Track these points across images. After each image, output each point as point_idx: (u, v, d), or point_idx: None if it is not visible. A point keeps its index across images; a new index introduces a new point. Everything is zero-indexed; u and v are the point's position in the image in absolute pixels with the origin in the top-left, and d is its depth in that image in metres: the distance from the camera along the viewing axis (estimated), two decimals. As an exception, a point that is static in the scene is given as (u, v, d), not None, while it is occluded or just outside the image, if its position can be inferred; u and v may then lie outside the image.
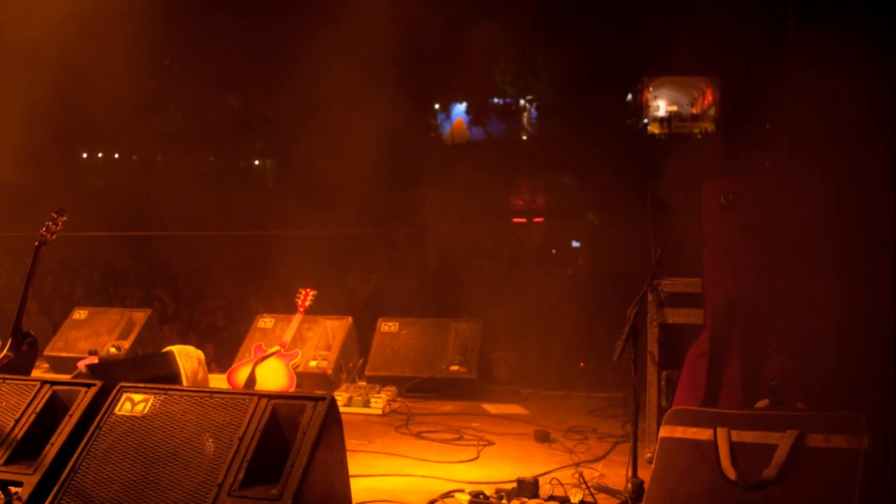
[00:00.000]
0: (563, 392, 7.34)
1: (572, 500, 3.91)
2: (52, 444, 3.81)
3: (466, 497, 4.07)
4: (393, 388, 6.65)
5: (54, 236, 5.80)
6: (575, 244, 17.72)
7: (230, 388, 6.38)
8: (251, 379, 6.51)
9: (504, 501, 3.94)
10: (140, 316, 7.99)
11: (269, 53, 17.51)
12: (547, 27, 18.51)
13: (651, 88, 21.67)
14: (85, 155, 22.57)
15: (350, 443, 4.18)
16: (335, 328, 7.31)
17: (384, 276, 13.31)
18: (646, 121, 21.87)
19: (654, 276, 4.70)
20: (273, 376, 6.54)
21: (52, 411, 3.99)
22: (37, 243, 5.72)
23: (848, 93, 4.34)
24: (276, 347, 6.76)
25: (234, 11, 17.21)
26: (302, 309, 7.01)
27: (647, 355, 4.91)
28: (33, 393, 4.06)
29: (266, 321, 7.41)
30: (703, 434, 3.61)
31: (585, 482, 4.15)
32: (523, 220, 19.56)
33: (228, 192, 18.89)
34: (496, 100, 23.27)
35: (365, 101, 11.38)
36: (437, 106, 23.30)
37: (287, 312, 7.26)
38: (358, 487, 4.12)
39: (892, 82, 4.26)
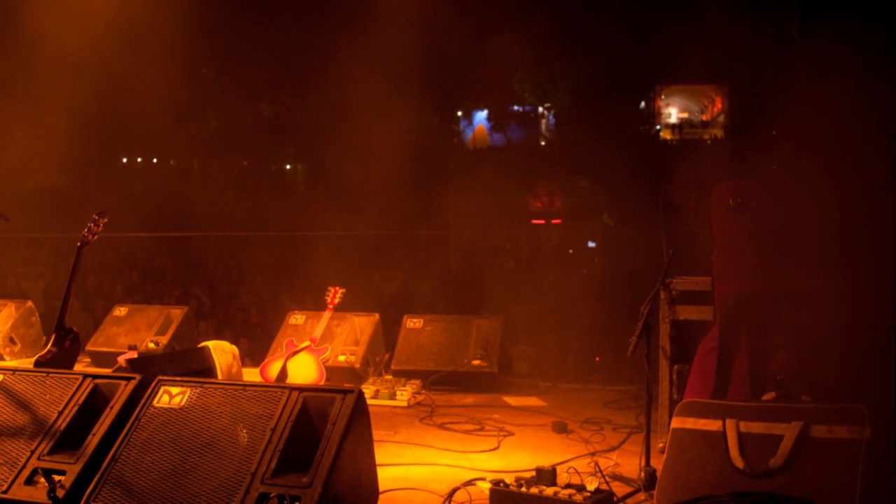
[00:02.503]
0: (579, 385, 7.40)
1: (588, 488, 3.91)
2: (94, 435, 3.86)
3: (487, 485, 4.09)
4: (417, 382, 6.75)
5: (96, 237, 5.94)
6: (591, 244, 17.78)
7: (263, 381, 6.54)
8: (283, 373, 6.65)
9: (523, 489, 3.94)
10: (177, 313, 8.10)
11: (299, 62, 17.58)
12: (564, 38, 18.57)
13: (663, 96, 21.55)
14: (125, 159, 22.60)
15: (377, 433, 4.31)
16: (363, 324, 7.42)
17: (409, 275, 13.41)
18: (658, 127, 21.75)
19: (666, 275, 4.74)
20: (304, 370, 6.68)
21: (94, 404, 4.04)
22: (79, 244, 5.88)
23: (850, 99, 4.39)
24: (307, 343, 6.88)
25: (266, 23, 17.38)
26: (331, 306, 7.13)
27: (660, 350, 4.99)
28: (76, 386, 4.10)
29: (297, 318, 7.52)
30: (713, 425, 3.72)
31: (601, 471, 4.19)
32: (542, 221, 19.58)
33: (261, 194, 19.02)
34: (516, 107, 23.25)
35: (391, 108, 11.47)
36: (459, 113, 23.30)
37: (317, 309, 7.37)
38: (384, 476, 4.21)
39: (891, 89, 4.34)
